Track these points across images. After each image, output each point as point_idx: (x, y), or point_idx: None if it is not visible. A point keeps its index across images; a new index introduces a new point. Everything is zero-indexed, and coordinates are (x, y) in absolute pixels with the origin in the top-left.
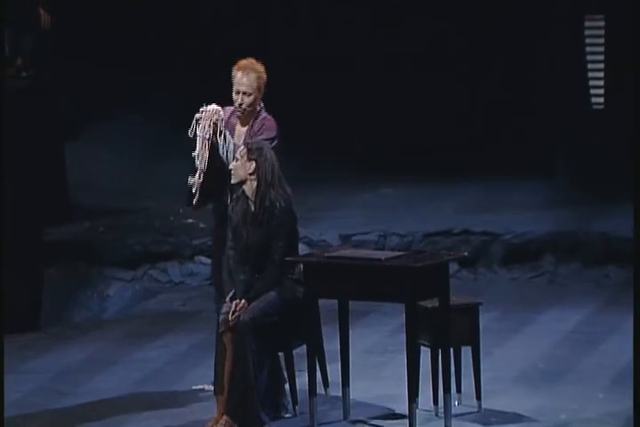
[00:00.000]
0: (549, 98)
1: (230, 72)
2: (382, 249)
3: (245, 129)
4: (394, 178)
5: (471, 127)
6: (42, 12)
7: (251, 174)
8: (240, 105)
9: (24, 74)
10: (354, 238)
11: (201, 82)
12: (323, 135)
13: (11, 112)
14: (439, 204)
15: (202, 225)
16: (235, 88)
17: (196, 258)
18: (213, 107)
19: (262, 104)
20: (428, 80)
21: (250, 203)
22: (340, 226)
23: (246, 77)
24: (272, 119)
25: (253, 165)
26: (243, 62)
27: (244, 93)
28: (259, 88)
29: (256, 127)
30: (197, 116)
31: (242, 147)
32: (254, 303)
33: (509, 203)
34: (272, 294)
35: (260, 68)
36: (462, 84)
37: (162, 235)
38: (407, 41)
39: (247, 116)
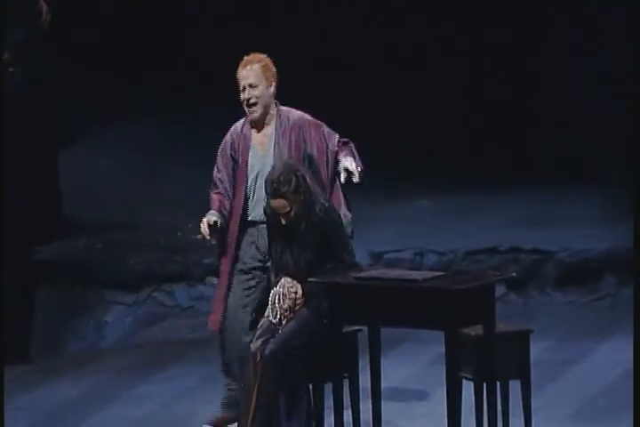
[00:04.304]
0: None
1: (232, 71)
2: (419, 269)
3: (269, 131)
4: (431, 188)
5: (518, 131)
6: (44, 5)
7: (289, 211)
8: (248, 100)
9: (11, 69)
10: (386, 257)
11: (203, 84)
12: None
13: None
14: (483, 217)
15: (214, 242)
16: (240, 85)
17: (207, 279)
18: (286, 288)
19: (277, 101)
20: (457, 82)
21: (286, 247)
22: (370, 242)
23: (249, 70)
24: (297, 111)
25: (285, 201)
26: (244, 59)
27: (250, 86)
28: (267, 78)
29: (286, 125)
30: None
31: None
32: (284, 329)
33: (564, 216)
34: (305, 318)
35: (265, 59)
36: (497, 85)
37: (168, 253)
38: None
39: (263, 116)
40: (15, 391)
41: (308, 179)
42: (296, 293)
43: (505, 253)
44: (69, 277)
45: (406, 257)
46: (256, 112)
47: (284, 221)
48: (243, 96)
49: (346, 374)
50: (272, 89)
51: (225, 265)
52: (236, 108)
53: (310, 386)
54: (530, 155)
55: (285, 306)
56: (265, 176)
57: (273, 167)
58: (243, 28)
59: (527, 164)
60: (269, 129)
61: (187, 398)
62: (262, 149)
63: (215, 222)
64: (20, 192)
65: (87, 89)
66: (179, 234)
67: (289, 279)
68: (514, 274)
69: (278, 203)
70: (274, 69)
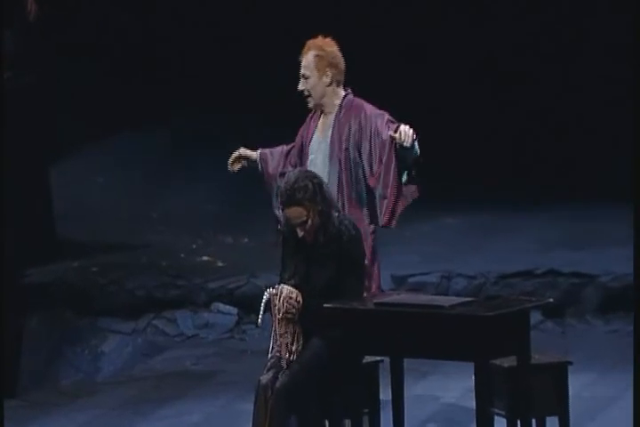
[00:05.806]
0: None
1: (238, 81)
2: (445, 294)
3: (330, 119)
4: (459, 205)
5: (556, 144)
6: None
7: (306, 221)
8: (302, 92)
9: (4, 76)
10: (410, 281)
11: (208, 90)
12: None
13: None
14: (517, 237)
15: (220, 264)
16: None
17: (213, 305)
18: (284, 291)
19: (348, 90)
20: (485, 96)
21: (302, 263)
22: (393, 265)
23: (304, 59)
24: (362, 101)
25: (301, 209)
26: (307, 42)
27: (303, 77)
28: (320, 69)
29: (345, 115)
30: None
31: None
32: (297, 360)
33: (607, 236)
34: (319, 348)
35: (324, 44)
36: (528, 99)
37: (170, 277)
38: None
39: (320, 105)
40: None
41: (324, 188)
42: (298, 301)
43: (541, 277)
44: (62, 303)
45: (432, 281)
46: (310, 102)
47: (300, 234)
48: (299, 85)
49: (366, 410)
50: (327, 79)
51: None
52: (238, 123)
53: (327, 423)
54: (568, 169)
55: (279, 309)
56: (317, 162)
57: (286, 176)
58: (246, 30)
59: (565, 178)
60: (330, 117)
61: None
62: (322, 136)
63: (244, 156)
64: (10, 211)
65: (82, 103)
66: (181, 256)
67: (289, 287)
68: (551, 300)
69: (294, 212)
70: (332, 58)
